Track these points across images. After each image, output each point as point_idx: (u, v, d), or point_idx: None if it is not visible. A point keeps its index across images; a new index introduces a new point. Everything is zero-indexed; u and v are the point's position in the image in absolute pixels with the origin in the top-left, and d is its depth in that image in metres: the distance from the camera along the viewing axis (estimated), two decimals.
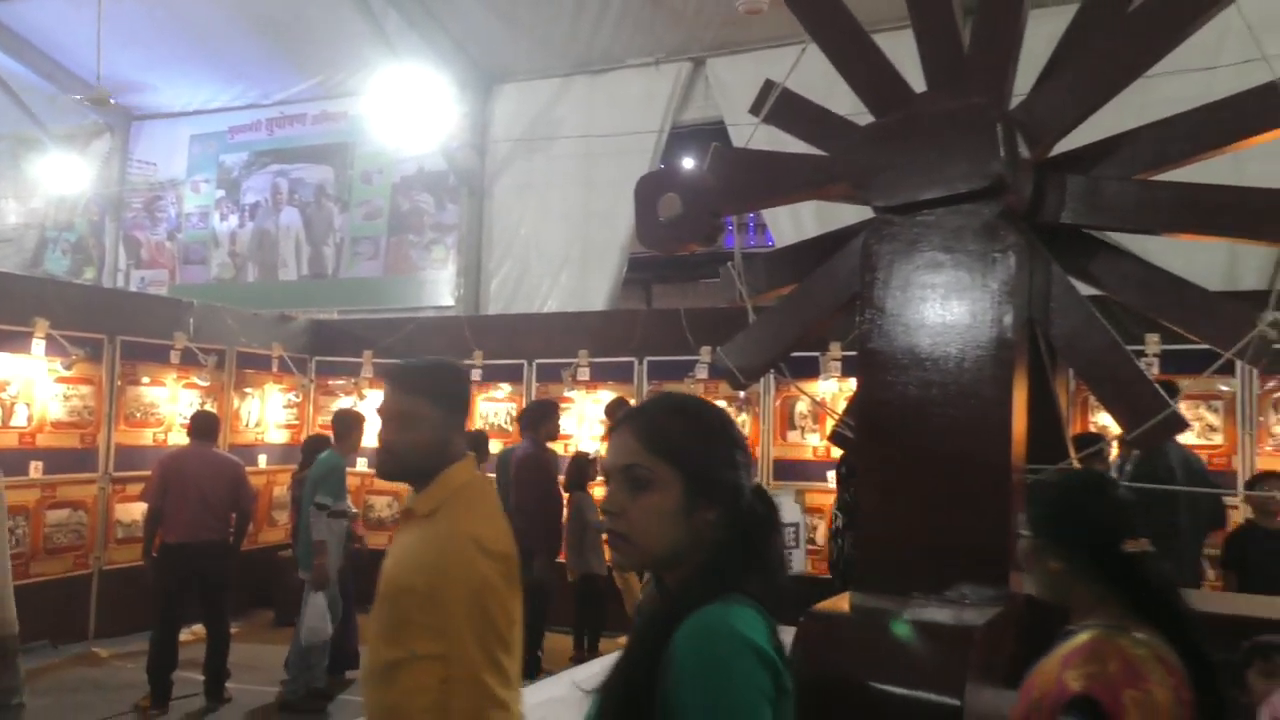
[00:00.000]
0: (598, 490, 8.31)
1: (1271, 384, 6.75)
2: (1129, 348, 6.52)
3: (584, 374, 9.08)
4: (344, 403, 9.91)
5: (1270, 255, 7.01)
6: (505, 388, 9.60)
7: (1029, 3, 3.89)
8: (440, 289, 11.22)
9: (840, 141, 4.20)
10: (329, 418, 7.96)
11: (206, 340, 9.08)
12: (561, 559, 7.65)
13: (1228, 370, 6.18)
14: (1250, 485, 6.14)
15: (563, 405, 8.77)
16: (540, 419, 7.34)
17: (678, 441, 1.57)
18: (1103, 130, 4.11)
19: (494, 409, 9.65)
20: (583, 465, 7.84)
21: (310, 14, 10.49)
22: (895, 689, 3.27)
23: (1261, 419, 6.78)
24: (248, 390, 9.63)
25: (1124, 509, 2.09)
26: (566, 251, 10.57)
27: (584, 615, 7.50)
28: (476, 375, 9.47)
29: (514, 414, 9.42)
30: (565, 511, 7.63)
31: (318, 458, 6.87)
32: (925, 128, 3.71)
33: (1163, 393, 3.84)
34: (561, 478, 7.79)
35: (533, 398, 9.22)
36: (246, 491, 6.98)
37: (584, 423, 9.13)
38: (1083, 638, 1.99)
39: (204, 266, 12.61)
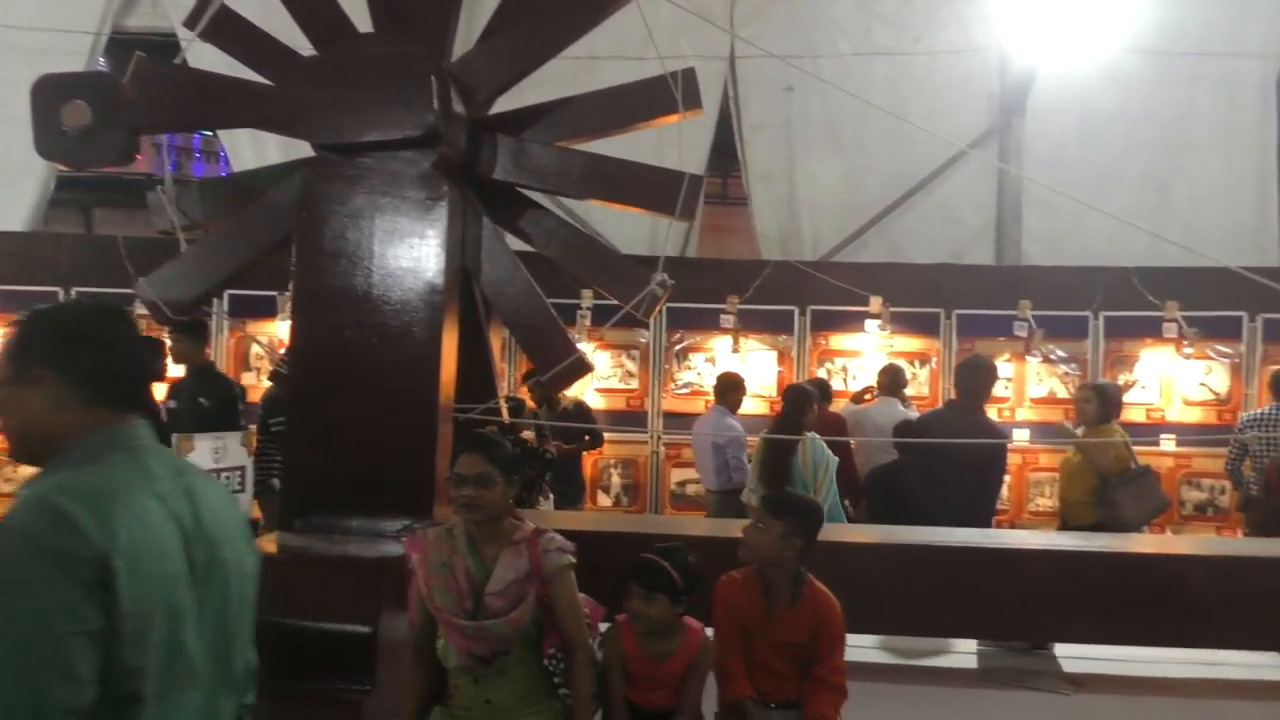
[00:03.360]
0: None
1: (677, 337, 7.93)
2: (570, 301, 7.33)
3: None
4: None
5: (681, 225, 8.20)
6: None
7: None
8: None
9: (282, 71, 4.05)
10: None
11: None
12: None
13: (643, 324, 7.12)
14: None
15: None
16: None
17: None
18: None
19: None
20: None
21: None
22: (311, 624, 3.33)
23: (668, 366, 7.94)
24: None
25: None
26: None
27: None
28: None
29: None
30: None
31: None
32: (364, 69, 3.72)
33: (572, 339, 4.32)
34: None
35: None
36: None
37: None
38: None
39: None
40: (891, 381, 6.85)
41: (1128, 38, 7.78)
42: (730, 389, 6.74)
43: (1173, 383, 7.53)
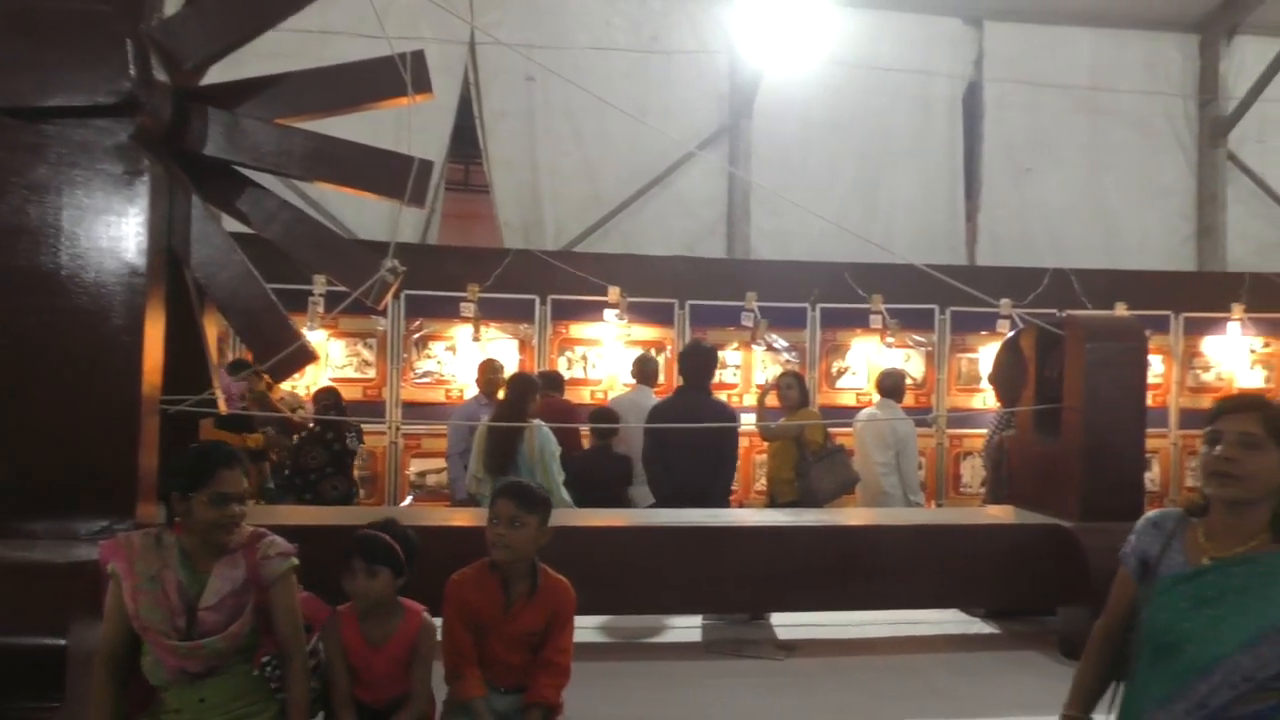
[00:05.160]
0: None
1: (416, 325, 7.77)
2: (302, 287, 6.98)
3: None
4: None
5: (420, 211, 8.00)
6: None
7: None
8: None
9: None
10: None
11: None
12: None
13: (378, 312, 6.90)
14: None
15: None
16: None
17: None
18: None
19: None
20: None
21: None
22: None
23: (407, 355, 7.76)
24: None
25: None
26: None
27: None
28: None
29: None
30: None
31: None
32: (46, 25, 3.36)
33: (294, 325, 4.12)
34: None
35: None
36: None
37: None
38: None
39: None
40: (643, 371, 7.06)
41: (836, 50, 8.43)
42: (480, 373, 6.78)
43: (879, 369, 8.25)
